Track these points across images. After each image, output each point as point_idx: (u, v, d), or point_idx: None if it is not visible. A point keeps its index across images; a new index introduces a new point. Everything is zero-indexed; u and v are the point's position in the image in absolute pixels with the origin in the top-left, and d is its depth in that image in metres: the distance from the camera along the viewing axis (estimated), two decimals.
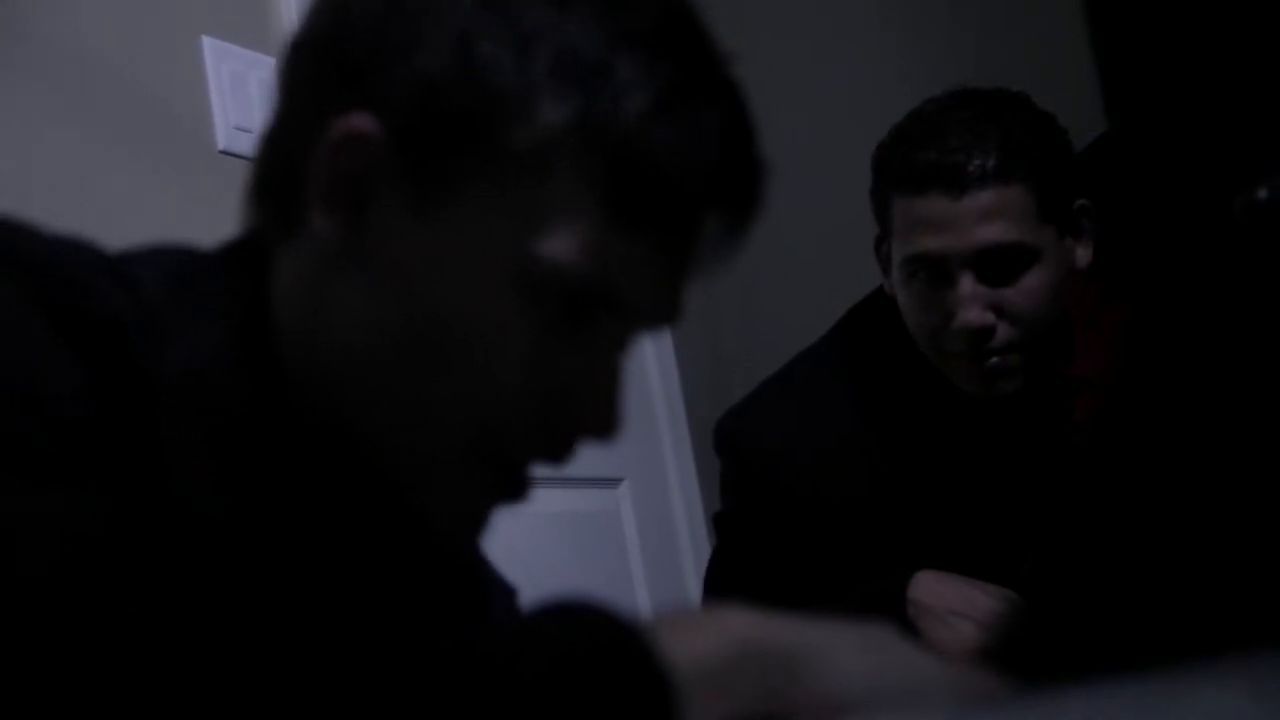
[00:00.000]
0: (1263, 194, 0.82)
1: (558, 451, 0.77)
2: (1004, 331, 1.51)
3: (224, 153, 1.65)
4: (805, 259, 2.32)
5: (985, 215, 1.49)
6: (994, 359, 1.52)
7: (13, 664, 0.55)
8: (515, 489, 0.78)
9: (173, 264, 0.77)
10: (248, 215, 0.80)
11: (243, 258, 0.79)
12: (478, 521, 0.78)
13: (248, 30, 1.72)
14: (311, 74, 0.77)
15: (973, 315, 1.49)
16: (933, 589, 1.53)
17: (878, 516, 1.58)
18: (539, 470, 0.79)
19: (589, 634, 0.63)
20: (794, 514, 1.62)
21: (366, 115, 0.73)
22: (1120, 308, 1.57)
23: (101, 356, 0.69)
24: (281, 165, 0.78)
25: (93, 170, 1.49)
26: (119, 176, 1.52)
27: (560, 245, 0.73)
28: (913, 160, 1.53)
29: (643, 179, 0.73)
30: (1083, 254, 1.56)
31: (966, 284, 1.50)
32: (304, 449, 0.76)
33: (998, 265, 1.50)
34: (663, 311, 0.78)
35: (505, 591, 0.95)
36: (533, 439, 0.76)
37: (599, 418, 0.76)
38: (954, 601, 1.52)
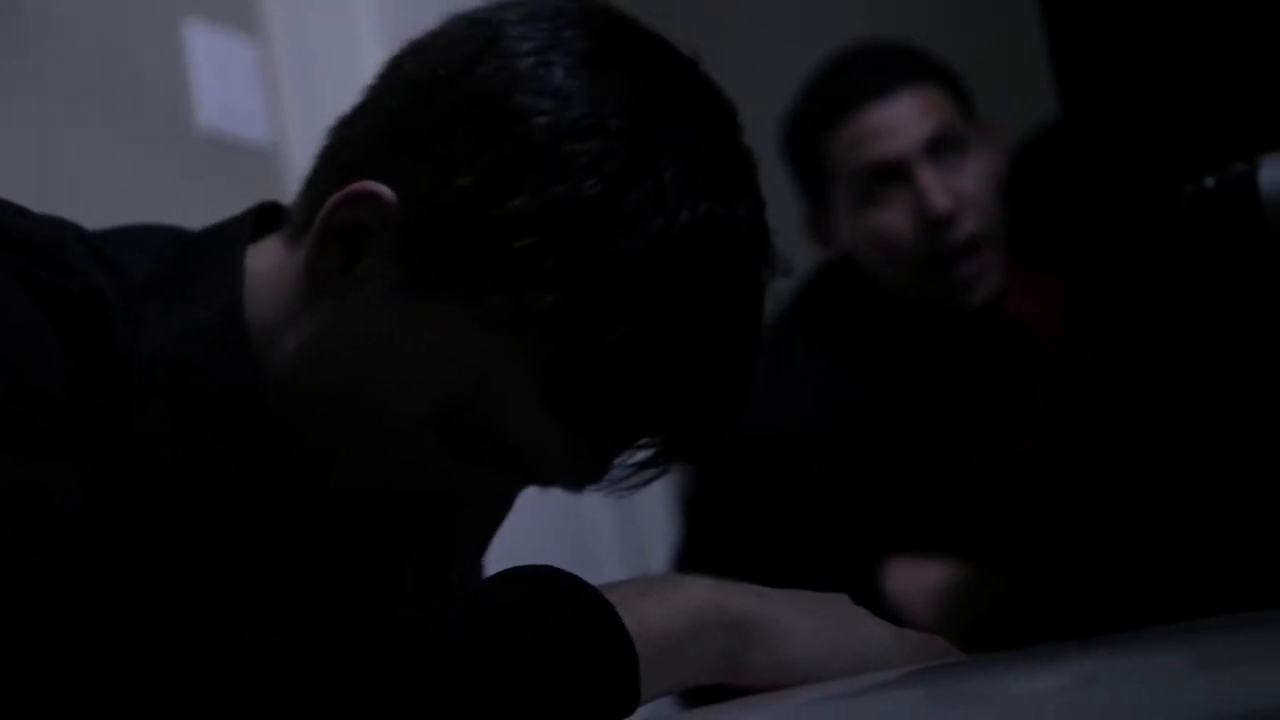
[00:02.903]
0: (1210, 183, 0.84)
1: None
2: (967, 222, 1.56)
3: (205, 134, 1.66)
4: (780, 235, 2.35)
5: (921, 110, 1.59)
6: (965, 266, 1.56)
7: None
8: None
9: (155, 245, 0.79)
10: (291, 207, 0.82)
11: (226, 241, 0.80)
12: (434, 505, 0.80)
13: (230, 12, 1.73)
14: (370, 124, 0.78)
15: (940, 200, 1.55)
16: (909, 575, 1.54)
17: (853, 482, 1.59)
18: None
19: (551, 601, 0.65)
20: (768, 489, 1.62)
21: (389, 187, 0.74)
22: (1056, 276, 1.62)
23: (82, 334, 0.70)
24: (322, 184, 0.79)
25: (74, 151, 1.50)
26: (100, 157, 1.53)
27: (493, 406, 0.74)
28: (835, 93, 1.63)
29: (594, 393, 0.73)
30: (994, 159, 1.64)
31: (926, 173, 1.56)
32: (272, 428, 0.77)
33: (945, 156, 1.57)
34: (579, 481, 0.79)
35: (471, 561, 0.96)
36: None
37: (476, 536, 0.82)
38: (930, 585, 1.54)
